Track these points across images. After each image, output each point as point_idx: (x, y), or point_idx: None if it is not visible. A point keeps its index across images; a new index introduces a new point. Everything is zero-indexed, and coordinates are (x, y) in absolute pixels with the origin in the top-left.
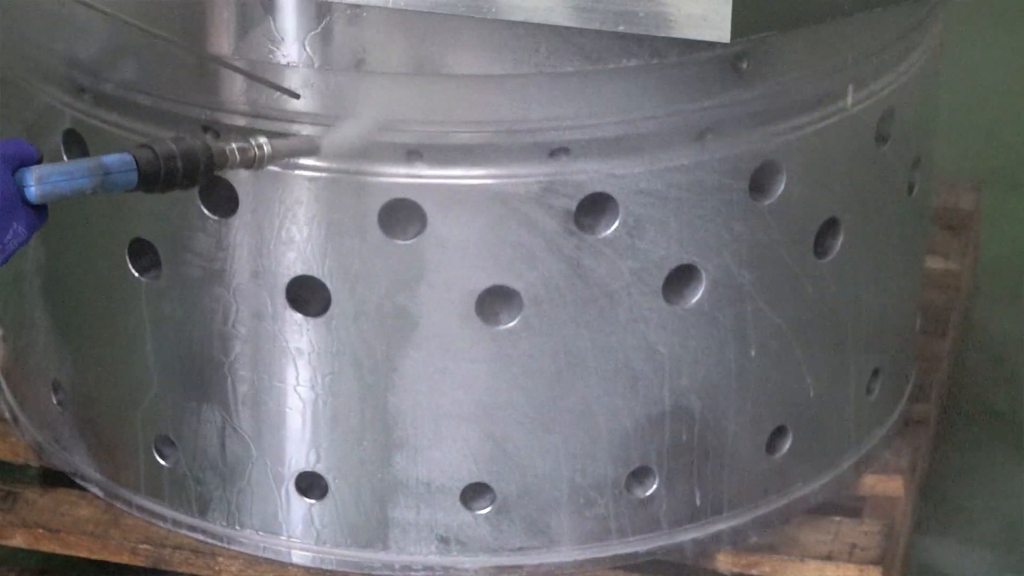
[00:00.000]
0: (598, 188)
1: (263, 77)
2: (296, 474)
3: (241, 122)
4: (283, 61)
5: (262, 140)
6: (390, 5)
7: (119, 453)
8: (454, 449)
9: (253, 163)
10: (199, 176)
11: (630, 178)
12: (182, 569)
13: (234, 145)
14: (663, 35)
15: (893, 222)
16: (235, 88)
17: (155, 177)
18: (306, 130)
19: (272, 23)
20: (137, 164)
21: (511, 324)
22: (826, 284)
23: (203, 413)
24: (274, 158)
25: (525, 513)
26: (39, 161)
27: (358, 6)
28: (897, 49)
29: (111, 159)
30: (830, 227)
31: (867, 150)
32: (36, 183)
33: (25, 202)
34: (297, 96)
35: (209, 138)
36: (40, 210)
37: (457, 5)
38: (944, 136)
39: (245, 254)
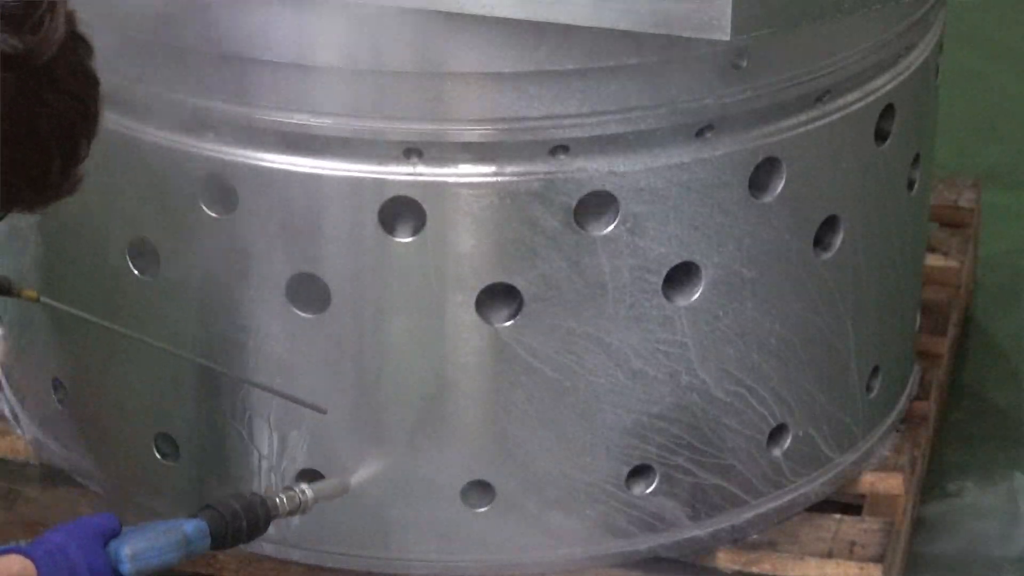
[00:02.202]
0: (598, 186)
1: (290, 394)
2: (296, 472)
3: (239, 116)
4: (279, 60)
5: (304, 487)
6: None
7: (119, 451)
8: (454, 447)
9: (298, 509)
10: (260, 529)
11: (630, 176)
12: (181, 567)
13: (282, 495)
14: (663, 33)
15: (893, 219)
16: (233, 83)
17: (224, 537)
18: (298, 118)
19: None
20: (211, 530)
21: (511, 321)
22: (826, 281)
23: (203, 411)
24: (316, 501)
25: (525, 511)
26: (119, 530)
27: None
28: (896, 46)
29: (190, 529)
30: (830, 224)
31: (867, 147)
32: (130, 560)
33: (116, 573)
34: (324, 411)
35: (260, 492)
36: None
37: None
38: (943, 133)
39: (245, 252)
